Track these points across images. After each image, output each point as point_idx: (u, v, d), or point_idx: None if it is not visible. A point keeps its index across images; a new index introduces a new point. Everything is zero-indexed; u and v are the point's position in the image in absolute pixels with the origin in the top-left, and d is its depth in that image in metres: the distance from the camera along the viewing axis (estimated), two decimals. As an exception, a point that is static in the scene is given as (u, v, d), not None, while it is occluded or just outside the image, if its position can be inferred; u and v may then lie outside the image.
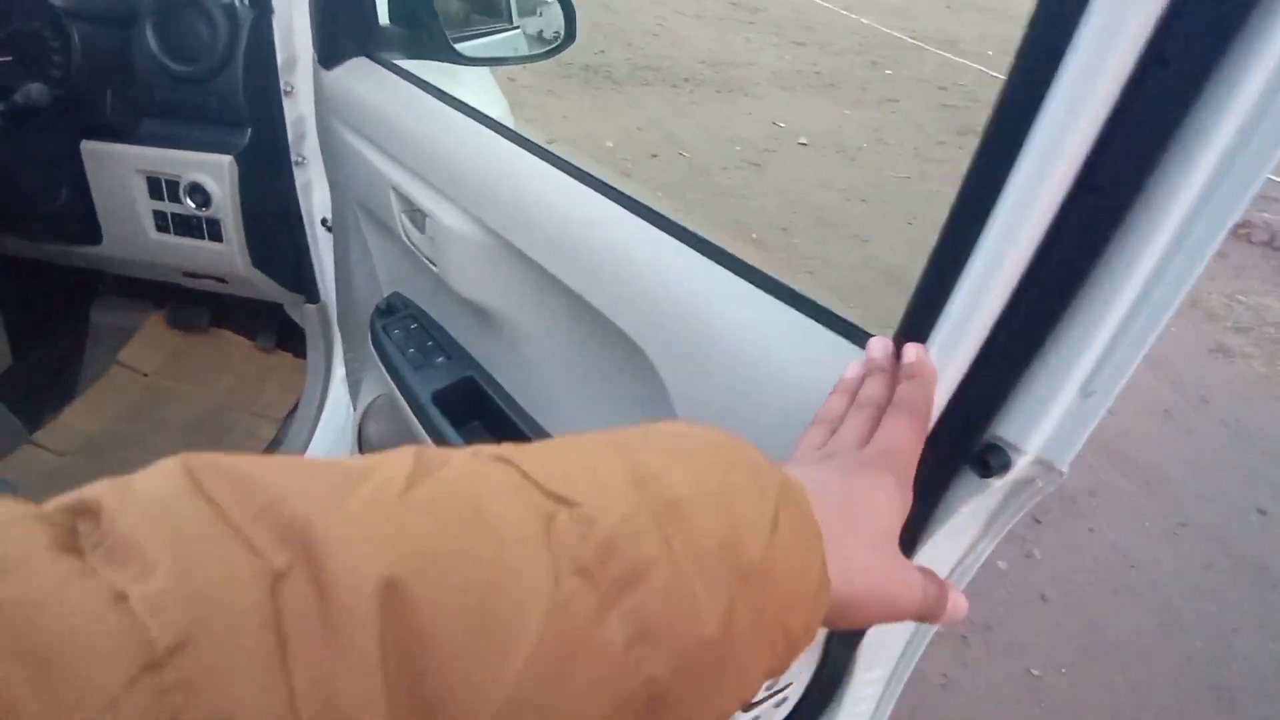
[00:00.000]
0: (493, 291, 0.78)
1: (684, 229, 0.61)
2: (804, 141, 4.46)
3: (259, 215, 1.20)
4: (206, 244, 1.19)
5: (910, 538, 0.47)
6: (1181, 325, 3.15)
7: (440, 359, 0.88)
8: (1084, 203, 0.35)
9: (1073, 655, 1.73)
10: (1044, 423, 0.40)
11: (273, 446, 1.54)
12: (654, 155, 4.01)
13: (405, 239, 0.86)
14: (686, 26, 6.98)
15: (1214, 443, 2.54)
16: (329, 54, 0.96)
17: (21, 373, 1.56)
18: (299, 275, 1.30)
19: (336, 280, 1.21)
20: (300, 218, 1.25)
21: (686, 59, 5.80)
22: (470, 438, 0.82)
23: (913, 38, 7.57)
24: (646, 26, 6.73)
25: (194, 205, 1.14)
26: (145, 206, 1.17)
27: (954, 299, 0.40)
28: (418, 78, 0.91)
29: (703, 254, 0.59)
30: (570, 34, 1.19)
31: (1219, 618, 1.89)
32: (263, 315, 1.68)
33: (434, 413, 0.82)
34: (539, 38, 1.23)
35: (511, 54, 1.16)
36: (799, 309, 0.54)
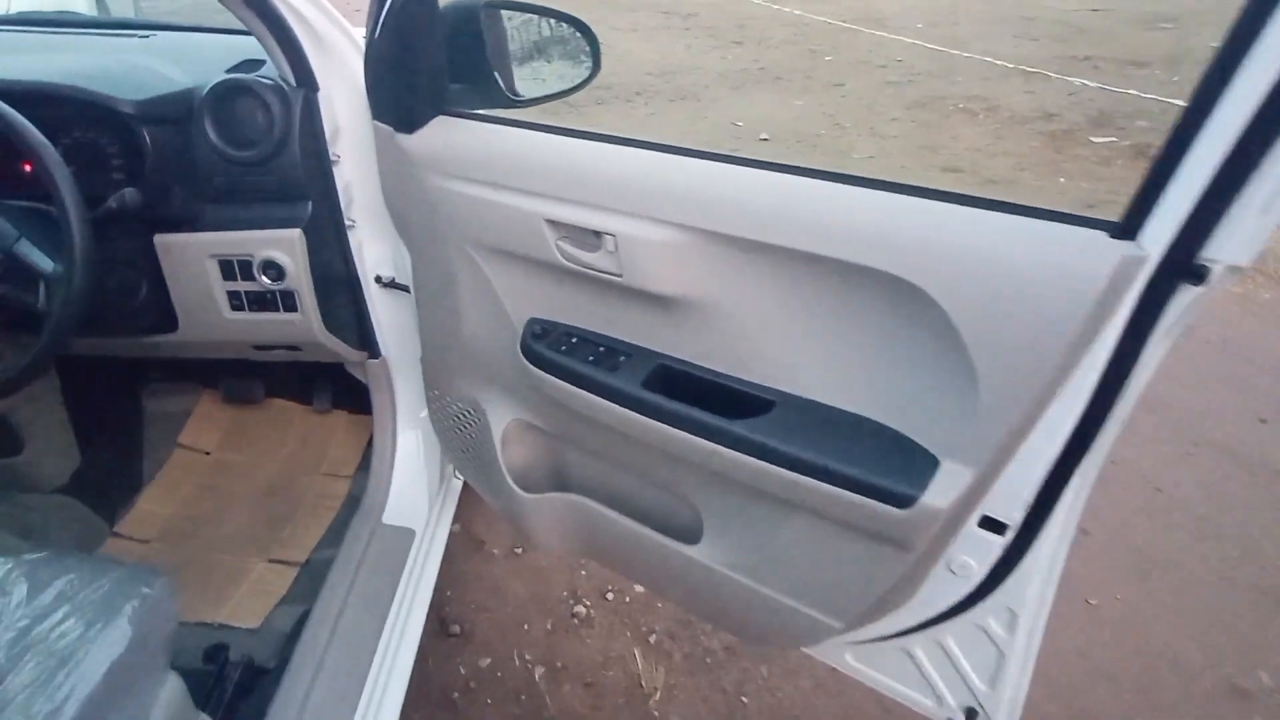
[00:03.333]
0: (690, 280, 0.90)
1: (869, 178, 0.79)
2: (765, 137, 4.59)
3: (325, 281, 1.26)
4: (282, 316, 1.24)
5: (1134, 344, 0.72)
6: (1153, 259, 3.31)
7: (621, 358, 0.99)
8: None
9: (1121, 579, 1.84)
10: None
11: (350, 503, 1.58)
12: (625, 170, 4.09)
13: (564, 263, 0.97)
14: (625, 41, 7.11)
15: (1207, 363, 2.68)
16: (409, 119, 1.03)
17: (91, 469, 1.59)
18: (362, 334, 1.36)
19: (421, 329, 1.27)
20: (358, 277, 1.31)
21: (635, 73, 5.92)
22: (683, 413, 0.93)
23: (842, 21, 7.79)
24: (587, 46, 6.85)
25: (269, 281, 1.20)
26: (220, 289, 1.22)
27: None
28: (509, 119, 1.02)
29: (903, 193, 0.76)
30: (597, 64, 1.27)
31: (1246, 523, 2.01)
32: (316, 379, 1.73)
33: (651, 396, 0.94)
34: (568, 72, 1.31)
35: (552, 90, 1.24)
36: (1022, 214, 0.70)
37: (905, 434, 0.84)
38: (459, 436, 1.36)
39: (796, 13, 8.09)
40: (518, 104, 1.19)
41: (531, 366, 1.08)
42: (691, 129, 4.77)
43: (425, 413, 1.45)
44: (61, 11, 1.47)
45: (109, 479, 1.60)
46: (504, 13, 1.20)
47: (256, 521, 1.55)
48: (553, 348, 1.06)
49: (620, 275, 0.94)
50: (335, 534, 1.51)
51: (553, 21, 1.22)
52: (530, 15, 1.21)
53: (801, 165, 0.83)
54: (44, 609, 0.87)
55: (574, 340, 1.06)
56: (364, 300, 1.33)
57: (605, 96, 5.36)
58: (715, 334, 0.94)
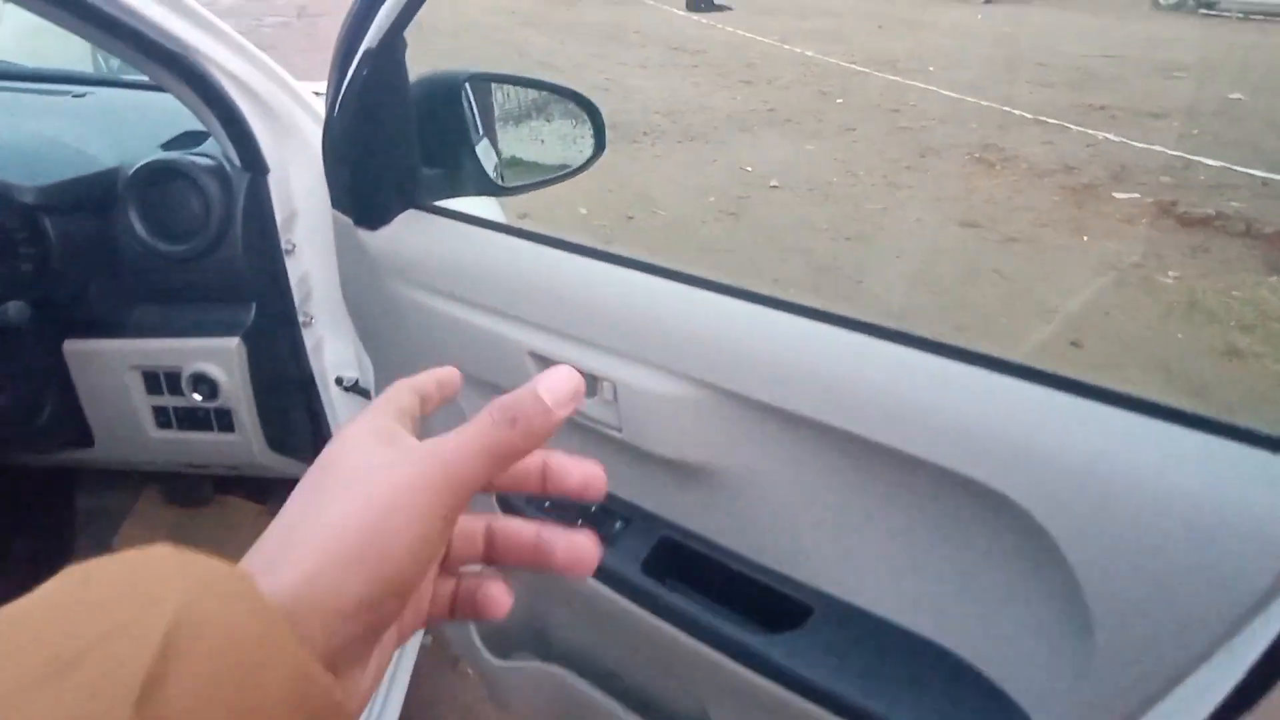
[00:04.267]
0: (706, 446, 0.71)
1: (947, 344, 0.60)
2: (775, 184, 4.43)
3: (271, 393, 1.07)
4: (217, 437, 1.05)
5: None
6: (1186, 331, 3.13)
7: (617, 525, 0.80)
8: None
9: None
10: None
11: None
12: (630, 217, 3.93)
13: None
14: (633, 78, 7.01)
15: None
16: (372, 213, 0.86)
17: (3, 584, 1.38)
18: (317, 444, 1.17)
19: None
20: (313, 381, 1.12)
21: (642, 111, 5.79)
22: (681, 598, 0.75)
23: (852, 63, 7.70)
24: (594, 82, 6.74)
25: (200, 398, 1.00)
26: (143, 404, 1.03)
27: None
28: (488, 220, 0.86)
29: (1003, 373, 0.57)
30: (601, 143, 1.10)
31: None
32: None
33: (654, 587, 0.75)
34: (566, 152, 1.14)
35: (543, 176, 1.07)
36: (1152, 415, 0.52)
37: (986, 675, 0.64)
38: (426, 570, 1.16)
39: (808, 54, 8.01)
40: (505, 191, 1.02)
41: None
42: (699, 173, 4.62)
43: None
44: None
45: (24, 593, 1.39)
46: (491, 86, 1.02)
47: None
48: (532, 502, 0.86)
49: (619, 430, 0.75)
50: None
51: (549, 96, 1.04)
52: (522, 89, 1.03)
53: (856, 319, 0.64)
54: None
55: None
56: (321, 406, 1.14)
57: (610, 136, 5.17)
58: (738, 510, 0.74)
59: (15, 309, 0.88)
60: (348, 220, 0.91)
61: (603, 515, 0.83)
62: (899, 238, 3.83)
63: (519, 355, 0.80)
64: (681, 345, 0.70)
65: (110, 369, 1.00)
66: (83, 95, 1.18)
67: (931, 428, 0.58)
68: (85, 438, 1.06)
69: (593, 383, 0.75)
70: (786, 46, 8.38)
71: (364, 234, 0.89)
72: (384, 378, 1.03)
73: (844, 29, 9.67)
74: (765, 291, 0.69)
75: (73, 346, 0.99)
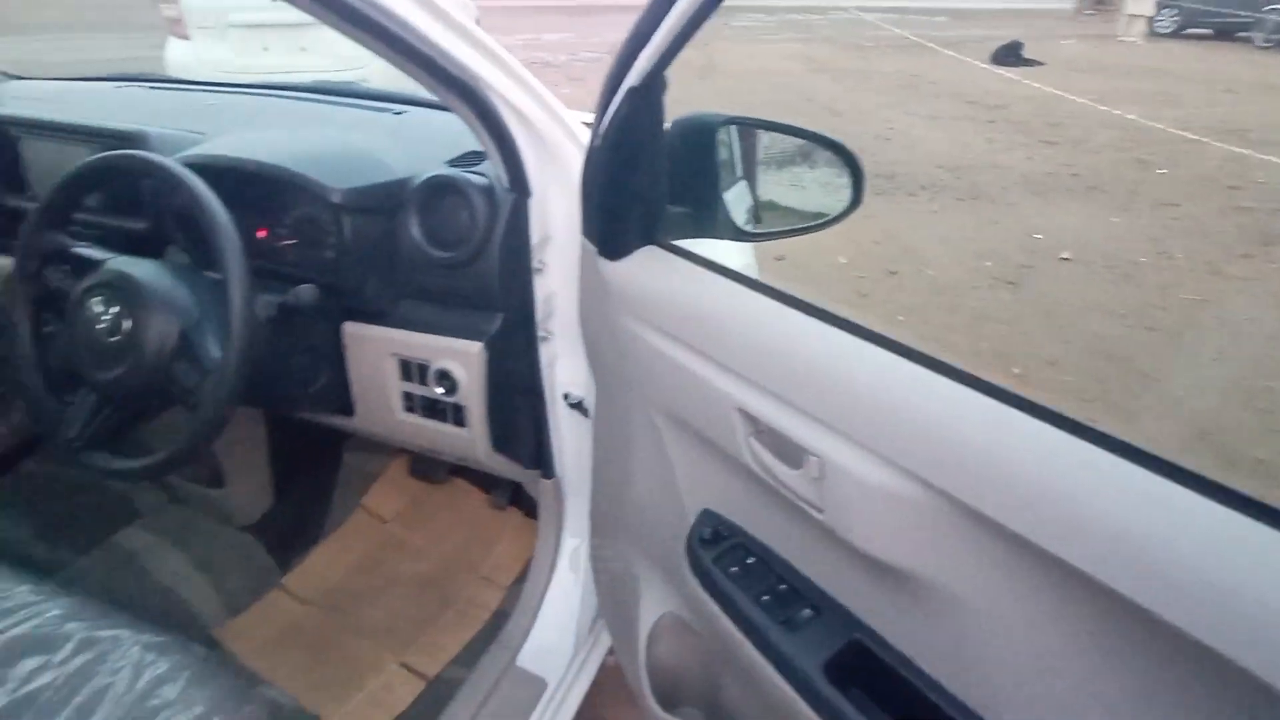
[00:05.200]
0: (916, 554, 0.63)
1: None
2: (1067, 256, 3.96)
3: (503, 398, 1.15)
4: (450, 429, 1.15)
5: None
6: None
7: (806, 611, 0.75)
8: None
9: None
10: None
11: (498, 618, 1.46)
12: (892, 272, 3.74)
13: (756, 469, 0.76)
14: (920, 129, 6.71)
15: None
16: (614, 245, 0.89)
17: (279, 513, 1.63)
18: (537, 453, 1.23)
19: (594, 469, 1.12)
20: (542, 393, 1.18)
21: (923, 164, 5.51)
22: (864, 711, 0.68)
23: (1184, 129, 6.69)
24: (876, 130, 6.56)
25: (441, 391, 1.10)
26: (395, 387, 1.16)
27: None
28: (723, 267, 0.84)
29: None
30: (858, 196, 1.04)
31: None
32: (499, 469, 1.65)
33: (827, 689, 0.69)
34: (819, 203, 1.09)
35: (792, 225, 1.03)
36: None
37: None
38: (614, 597, 1.17)
39: (1129, 116, 7.11)
40: (747, 237, 1.00)
41: (692, 577, 0.85)
42: (979, 235, 4.27)
43: (588, 548, 1.28)
44: (347, 84, 1.56)
45: (294, 525, 1.63)
46: (745, 131, 1.01)
47: (405, 613, 1.48)
48: (721, 563, 0.82)
49: (821, 512, 0.69)
50: (471, 653, 1.39)
51: (806, 144, 1.00)
52: (779, 135, 1.01)
53: (1138, 446, 0.52)
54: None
55: (750, 562, 0.81)
56: (545, 417, 1.20)
57: (886, 187, 5.02)
58: (945, 633, 0.64)
59: (306, 291, 1.04)
60: (593, 248, 0.94)
61: (792, 596, 0.77)
62: (1219, 336, 3.23)
63: (727, 409, 0.77)
64: (909, 433, 0.62)
65: (375, 352, 1.14)
66: (401, 113, 1.36)
67: (1214, 605, 0.45)
68: (348, 408, 1.22)
69: (799, 454, 0.70)
70: (1103, 107, 7.53)
71: (604, 263, 0.92)
72: (603, 401, 1.06)
73: (1179, 92, 8.48)
74: (1022, 391, 0.59)
75: (350, 328, 1.15)
